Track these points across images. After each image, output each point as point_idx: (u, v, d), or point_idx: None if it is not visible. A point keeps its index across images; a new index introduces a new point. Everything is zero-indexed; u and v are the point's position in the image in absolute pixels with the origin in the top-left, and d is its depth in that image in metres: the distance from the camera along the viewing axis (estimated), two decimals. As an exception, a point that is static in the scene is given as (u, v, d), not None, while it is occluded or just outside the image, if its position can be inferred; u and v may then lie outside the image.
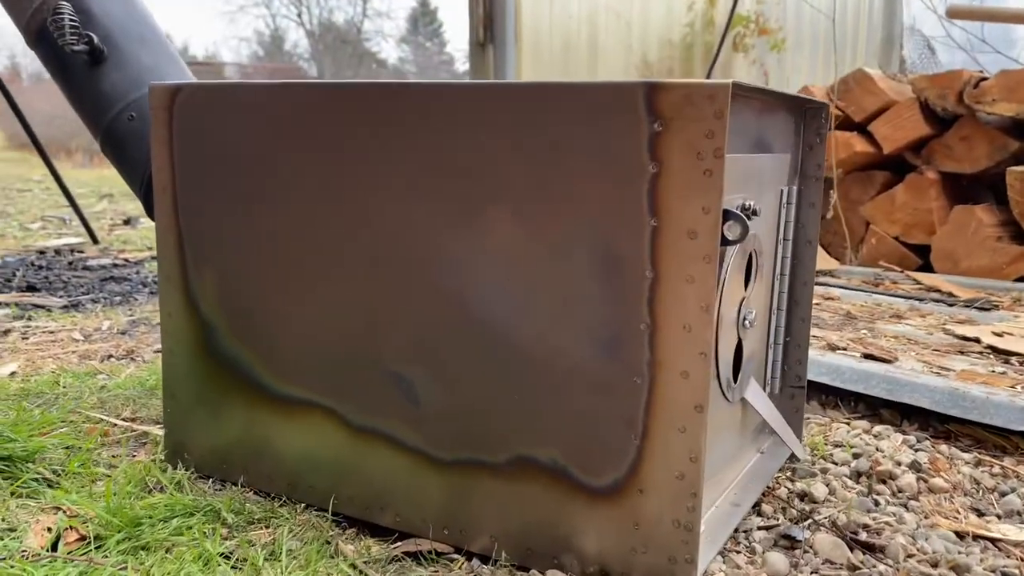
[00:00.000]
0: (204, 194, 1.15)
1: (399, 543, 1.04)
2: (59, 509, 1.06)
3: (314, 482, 1.13)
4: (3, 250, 3.39)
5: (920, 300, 2.44)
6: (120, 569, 0.95)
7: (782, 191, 1.19)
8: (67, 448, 1.26)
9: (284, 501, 1.14)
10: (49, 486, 1.15)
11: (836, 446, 1.36)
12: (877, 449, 1.34)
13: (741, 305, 1.06)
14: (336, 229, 1.05)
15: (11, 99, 3.07)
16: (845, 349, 1.75)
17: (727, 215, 0.87)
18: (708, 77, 3.07)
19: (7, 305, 2.31)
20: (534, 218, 0.93)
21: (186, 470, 1.22)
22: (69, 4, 1.41)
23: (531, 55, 2.73)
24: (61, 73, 1.52)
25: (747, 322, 1.07)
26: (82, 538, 1.01)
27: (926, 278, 2.74)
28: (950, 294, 2.53)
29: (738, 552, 1.02)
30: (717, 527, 1.03)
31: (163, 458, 1.25)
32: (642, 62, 3.13)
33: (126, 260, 3.23)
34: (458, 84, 0.95)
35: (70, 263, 3.11)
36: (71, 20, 1.39)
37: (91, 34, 1.43)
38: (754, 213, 1.01)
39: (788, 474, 1.26)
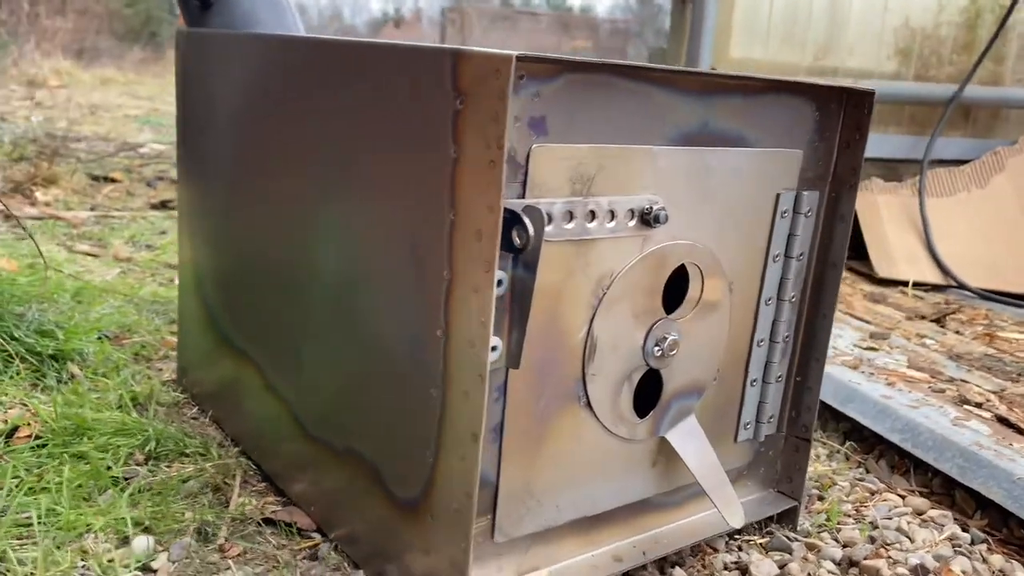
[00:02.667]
0: (187, 137, 1.21)
1: (282, 509, 1.03)
2: (25, 406, 1.20)
3: (247, 430, 1.15)
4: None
5: None
6: (25, 469, 1.05)
7: (779, 196, 0.95)
8: (104, 355, 1.41)
9: (230, 445, 1.18)
10: (58, 381, 1.30)
11: (857, 522, 1.09)
12: (908, 538, 1.05)
13: (652, 329, 0.88)
14: (245, 184, 1.05)
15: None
16: (980, 406, 1.38)
17: (513, 217, 0.71)
18: (989, 46, 2.52)
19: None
20: (361, 195, 0.85)
21: (183, 395, 1.32)
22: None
23: (745, 18, 2.44)
24: (186, 16, 1.66)
25: (661, 350, 0.88)
26: (31, 436, 1.13)
27: None
28: None
29: (589, 614, 0.87)
30: (574, 579, 0.88)
31: (173, 380, 1.36)
32: (904, 26, 2.65)
33: None
34: (289, 38, 0.88)
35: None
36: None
37: (202, -18, 1.55)
38: (656, 220, 0.82)
39: (759, 539, 1.04)
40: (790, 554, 1.01)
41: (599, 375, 0.85)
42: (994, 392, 1.44)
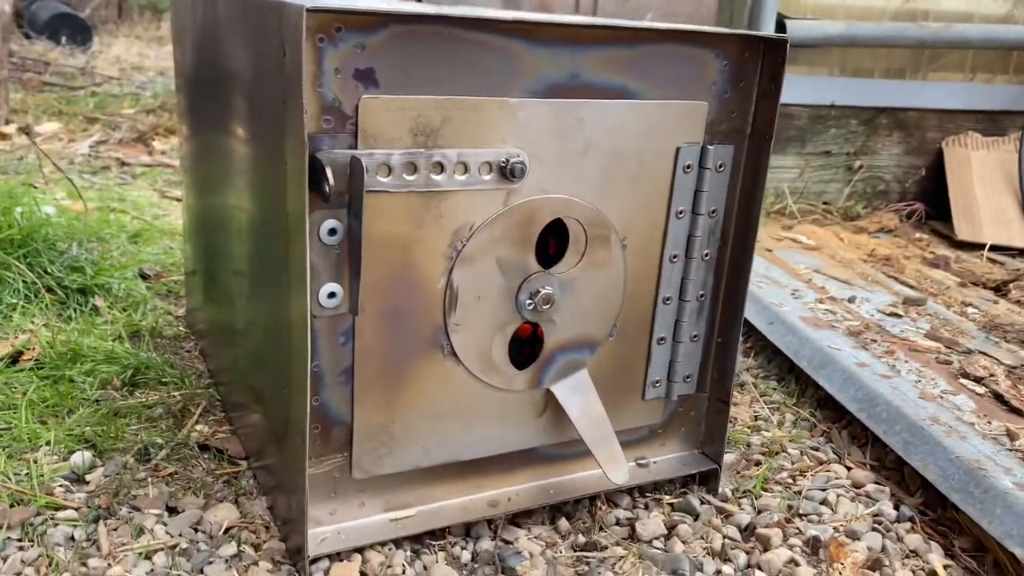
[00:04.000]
0: (178, 88, 1.29)
1: (225, 438, 1.12)
2: (34, 333, 1.34)
3: (217, 365, 1.25)
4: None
5: None
6: (12, 388, 1.18)
7: (679, 150, 0.92)
8: (129, 291, 1.55)
9: (207, 377, 1.28)
10: (79, 312, 1.44)
11: (787, 488, 1.06)
12: (832, 510, 1.01)
13: (524, 282, 0.88)
14: (199, 135, 1.12)
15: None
16: (980, 380, 1.28)
17: (316, 167, 0.73)
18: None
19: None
20: (244, 146, 0.90)
21: (187, 330, 1.43)
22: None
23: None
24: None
25: (534, 304, 0.89)
26: (31, 359, 1.27)
27: None
28: None
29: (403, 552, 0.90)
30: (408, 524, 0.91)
31: (184, 316, 1.48)
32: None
33: None
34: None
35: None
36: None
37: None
38: (511, 173, 0.82)
39: (671, 499, 1.03)
40: (694, 517, 0.99)
41: (463, 325, 0.87)
42: (1008, 368, 1.33)
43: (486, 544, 0.91)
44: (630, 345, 0.98)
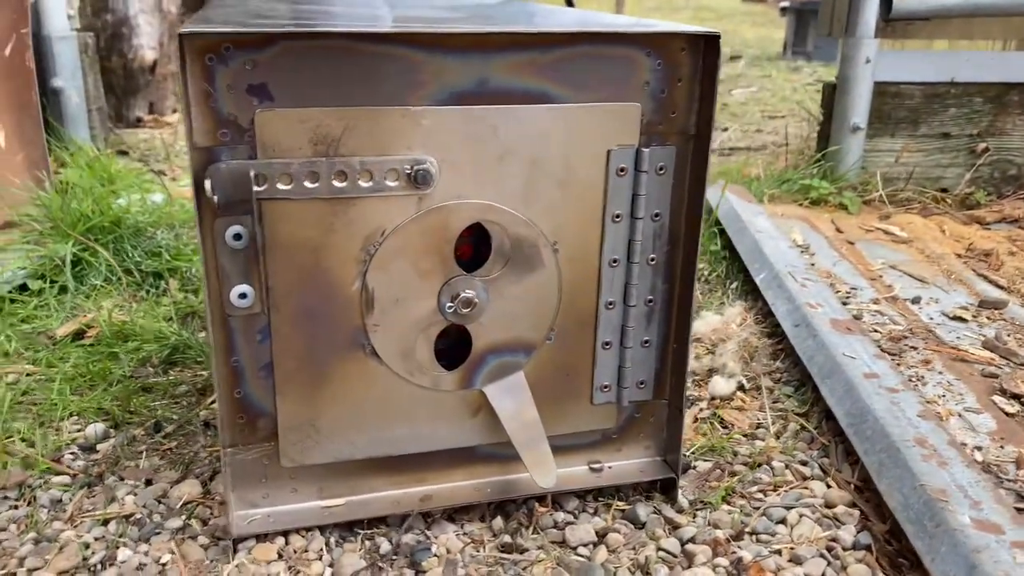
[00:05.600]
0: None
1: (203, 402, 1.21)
2: (99, 312, 1.50)
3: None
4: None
5: None
6: (62, 360, 1.34)
7: (610, 153, 0.90)
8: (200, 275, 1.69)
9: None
10: (150, 294, 1.59)
11: (751, 503, 1.01)
12: (788, 529, 0.96)
13: (445, 285, 0.90)
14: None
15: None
16: (1019, 398, 1.15)
17: (198, 179, 0.78)
18: None
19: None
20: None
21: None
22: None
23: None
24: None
25: (454, 307, 0.90)
26: (91, 336, 1.43)
27: None
28: None
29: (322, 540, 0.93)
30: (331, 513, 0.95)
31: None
32: None
33: None
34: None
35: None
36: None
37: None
38: (417, 180, 0.84)
39: (623, 505, 1.01)
40: (638, 526, 0.97)
41: (382, 326, 0.90)
42: (1062, 384, 1.18)
43: (409, 538, 0.94)
44: (572, 349, 0.97)
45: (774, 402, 1.25)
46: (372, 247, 0.87)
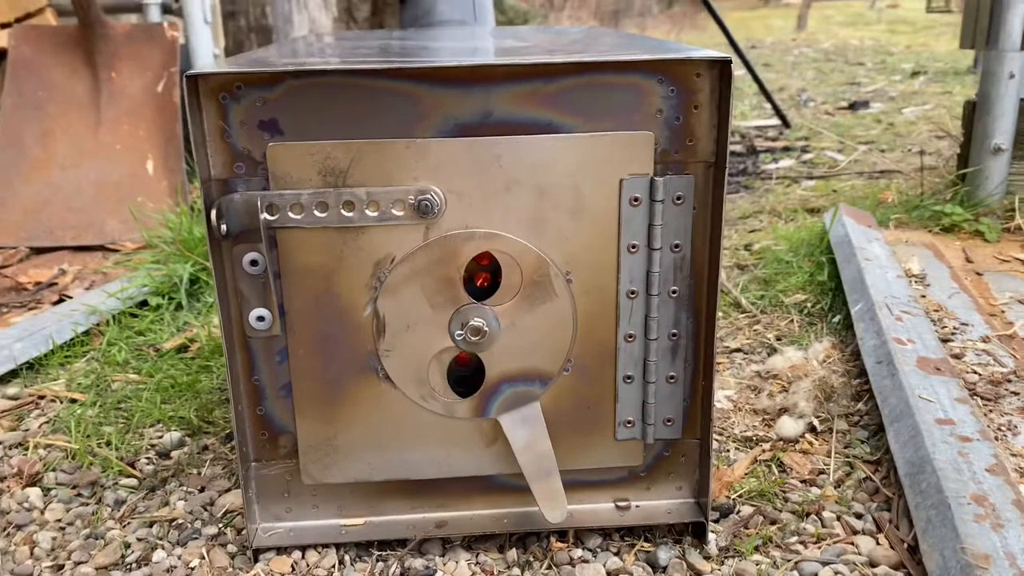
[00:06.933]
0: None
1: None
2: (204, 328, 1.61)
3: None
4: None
5: None
6: (175, 372, 1.45)
7: (623, 182, 0.88)
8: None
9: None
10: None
11: (783, 555, 0.94)
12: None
13: (455, 314, 0.91)
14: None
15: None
16: None
17: (216, 205, 0.82)
18: None
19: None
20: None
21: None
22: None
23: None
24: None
25: (464, 335, 0.91)
26: (194, 350, 1.54)
27: None
28: None
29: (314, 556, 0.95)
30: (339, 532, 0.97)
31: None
32: None
33: (801, 146, 3.31)
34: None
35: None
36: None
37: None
38: (423, 210, 0.86)
39: (649, 547, 0.97)
40: (657, 570, 0.93)
41: (394, 351, 0.92)
42: None
43: (419, 563, 0.95)
44: (593, 382, 0.95)
45: (845, 447, 1.16)
46: (382, 274, 0.89)
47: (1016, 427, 1.10)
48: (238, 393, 0.92)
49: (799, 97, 4.46)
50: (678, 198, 0.88)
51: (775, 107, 3.72)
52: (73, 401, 1.36)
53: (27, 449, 1.22)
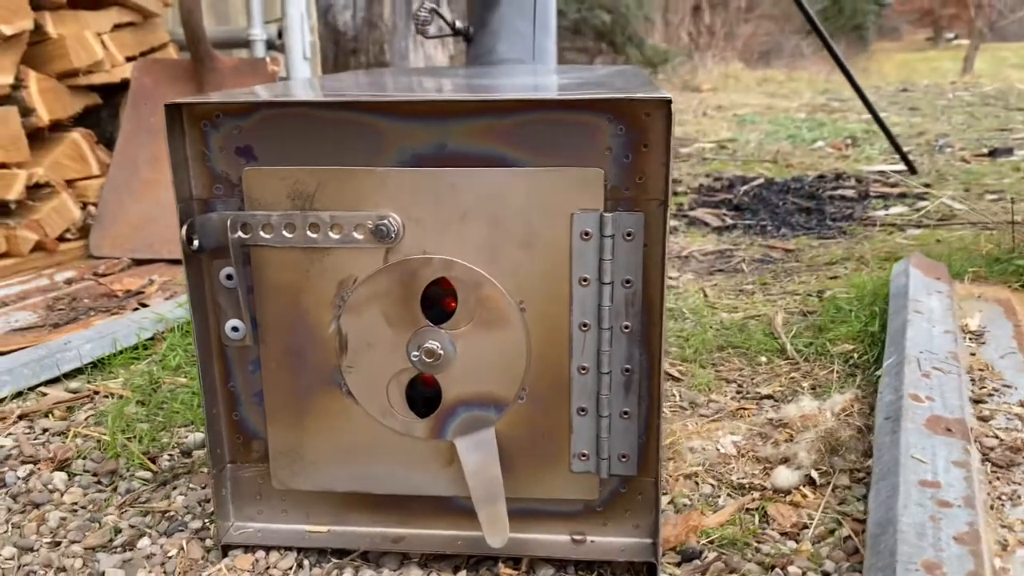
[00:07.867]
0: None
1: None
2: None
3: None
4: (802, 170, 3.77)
5: None
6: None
7: (574, 216, 0.90)
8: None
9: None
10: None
11: (727, 605, 0.92)
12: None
13: (414, 336, 0.95)
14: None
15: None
16: None
17: (189, 223, 0.90)
18: None
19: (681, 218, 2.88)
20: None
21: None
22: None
23: None
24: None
25: (419, 356, 0.94)
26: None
27: None
28: None
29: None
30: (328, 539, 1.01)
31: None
32: None
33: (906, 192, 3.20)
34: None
35: (834, 187, 3.27)
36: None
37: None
38: (381, 235, 0.91)
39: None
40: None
41: (356, 368, 0.97)
42: None
43: (371, 574, 0.98)
44: (547, 412, 0.96)
45: (839, 503, 1.12)
46: (345, 294, 0.94)
47: (1020, 497, 1.02)
48: (212, 398, 0.99)
49: (935, 143, 4.25)
50: (628, 234, 0.89)
51: (899, 151, 3.57)
52: (121, 398, 1.48)
53: (67, 437, 1.34)
